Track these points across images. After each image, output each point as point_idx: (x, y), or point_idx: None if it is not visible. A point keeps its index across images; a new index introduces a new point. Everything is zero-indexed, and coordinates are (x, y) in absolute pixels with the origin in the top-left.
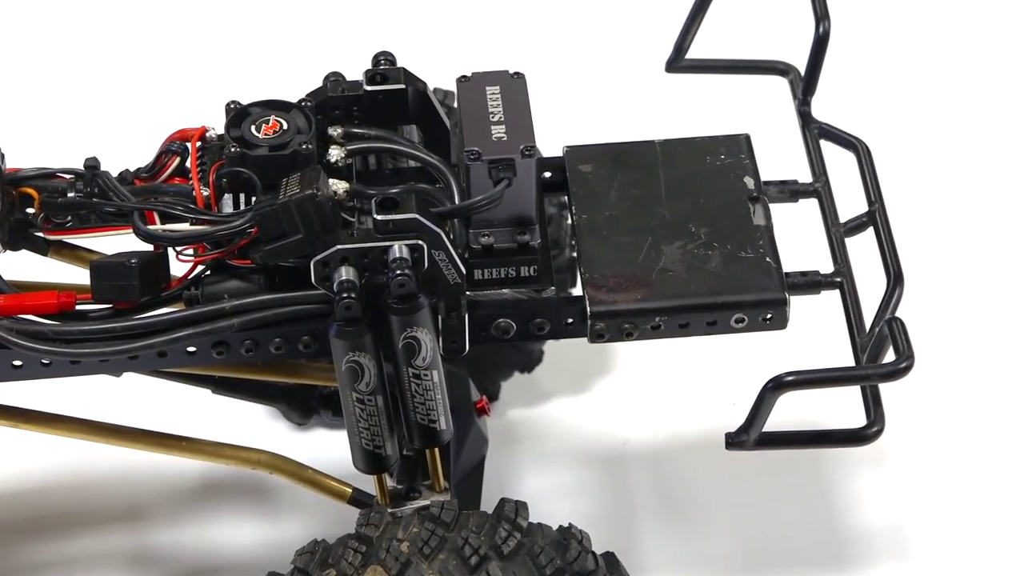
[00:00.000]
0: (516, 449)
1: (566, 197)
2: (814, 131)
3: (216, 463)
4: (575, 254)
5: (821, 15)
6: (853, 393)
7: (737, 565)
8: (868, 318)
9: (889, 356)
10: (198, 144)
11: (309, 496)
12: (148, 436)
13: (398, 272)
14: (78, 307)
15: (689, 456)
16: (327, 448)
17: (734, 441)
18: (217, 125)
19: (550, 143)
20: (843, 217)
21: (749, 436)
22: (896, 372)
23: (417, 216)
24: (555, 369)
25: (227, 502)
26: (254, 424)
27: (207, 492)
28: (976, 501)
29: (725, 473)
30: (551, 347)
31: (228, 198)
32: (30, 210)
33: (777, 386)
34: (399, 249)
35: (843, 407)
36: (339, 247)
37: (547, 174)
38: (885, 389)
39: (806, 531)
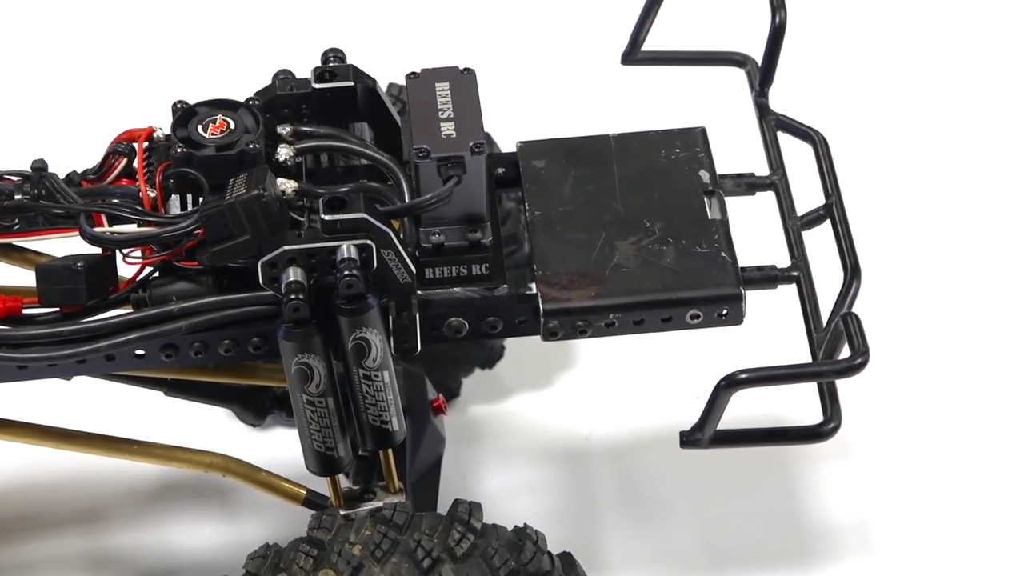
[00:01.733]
0: (478, 446)
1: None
2: (771, 123)
3: (168, 466)
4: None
5: (777, 5)
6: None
7: (700, 561)
8: (827, 311)
9: (846, 352)
10: (145, 145)
11: (267, 497)
12: (100, 440)
13: (346, 272)
14: (25, 311)
15: (652, 451)
16: (285, 448)
17: (688, 440)
18: (164, 125)
19: (504, 138)
20: (800, 210)
21: (703, 435)
22: (850, 369)
23: (365, 216)
24: (517, 365)
25: (185, 504)
26: (212, 425)
27: (165, 494)
28: (941, 494)
29: (688, 468)
30: (512, 343)
31: (175, 199)
32: None
33: (730, 384)
34: (347, 249)
35: (805, 399)
36: (286, 248)
37: (500, 170)
38: (849, 381)
39: (770, 526)
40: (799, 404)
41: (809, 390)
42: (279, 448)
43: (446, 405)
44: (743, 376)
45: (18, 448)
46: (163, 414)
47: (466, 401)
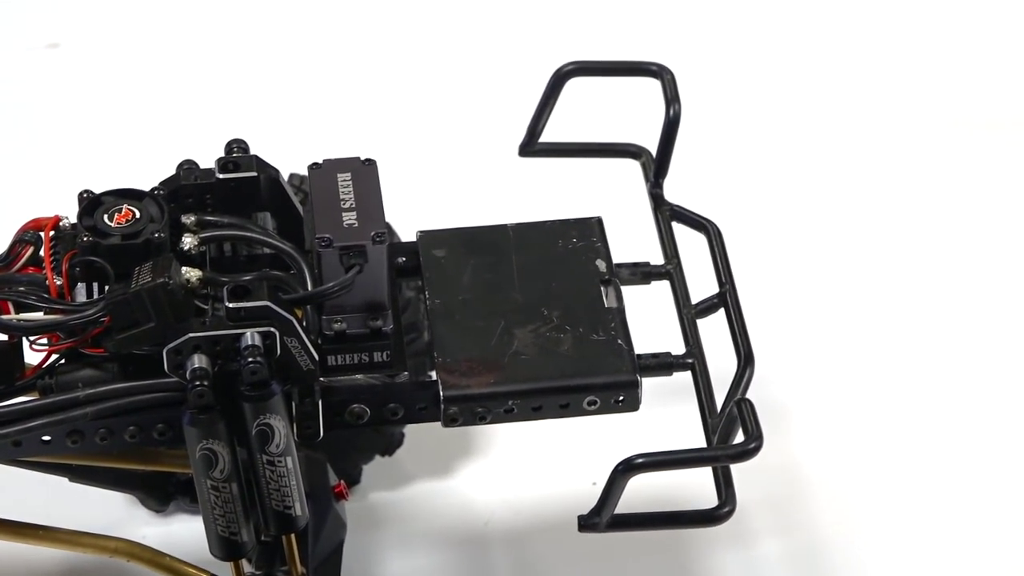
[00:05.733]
0: (378, 532)
1: (420, 281)
2: (666, 213)
3: (73, 551)
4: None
5: (671, 98)
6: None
7: None
8: (721, 397)
9: (740, 437)
10: (51, 233)
11: None
12: (3, 525)
13: (250, 360)
14: None
15: (550, 536)
16: (188, 534)
17: (586, 524)
18: (71, 214)
19: (404, 228)
20: (695, 298)
21: (601, 519)
22: (745, 453)
23: (268, 304)
24: (416, 452)
25: None
26: (115, 511)
27: None
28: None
29: (586, 554)
30: (412, 429)
31: (82, 287)
32: None
33: (627, 468)
34: (251, 336)
35: (703, 481)
36: (191, 335)
37: (401, 259)
38: (743, 464)
39: None
40: (697, 486)
41: (706, 474)
42: (180, 534)
43: (347, 491)
44: (640, 461)
45: None
46: (63, 501)
47: (366, 488)
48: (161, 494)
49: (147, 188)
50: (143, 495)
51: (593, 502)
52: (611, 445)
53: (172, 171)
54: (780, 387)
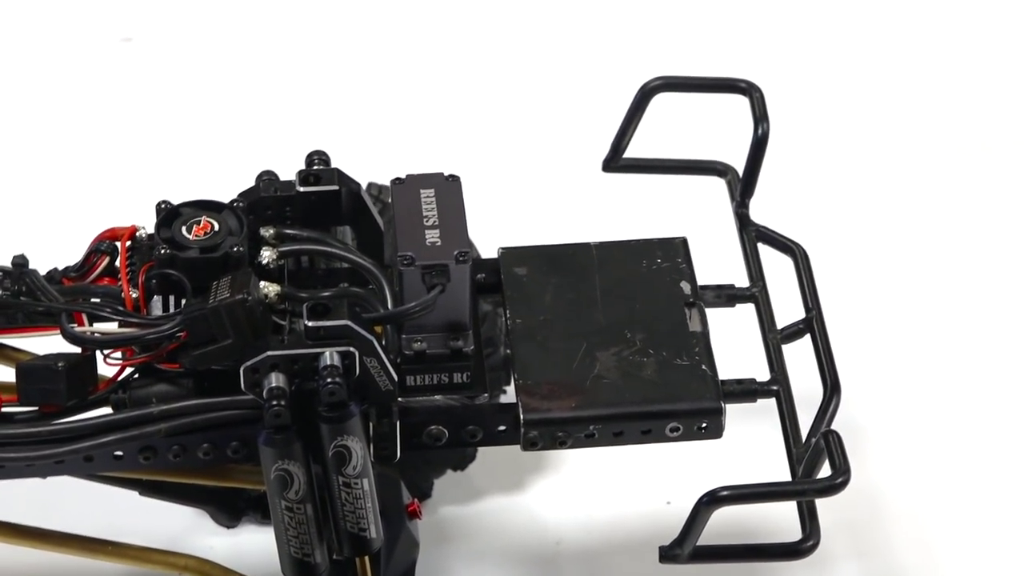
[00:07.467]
0: (448, 547)
1: (500, 299)
2: (751, 234)
3: (142, 568)
4: (508, 351)
5: (760, 116)
6: None
7: None
8: (805, 425)
9: (825, 469)
10: (128, 244)
11: None
12: (73, 540)
13: (329, 380)
14: (3, 409)
15: (622, 556)
16: (255, 546)
17: (668, 555)
18: (147, 225)
19: (485, 244)
20: (780, 323)
21: (683, 550)
22: (831, 488)
23: (349, 323)
24: (488, 467)
25: None
26: (179, 522)
27: None
28: None
29: (659, 574)
30: None
31: (158, 300)
32: None
33: (712, 500)
34: (330, 356)
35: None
36: (269, 353)
37: (481, 276)
38: None
39: None
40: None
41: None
42: (249, 551)
43: (420, 509)
44: (725, 493)
45: None
46: (131, 515)
47: (437, 502)
48: (232, 509)
49: (219, 189)
50: (213, 510)
51: (668, 522)
52: (686, 463)
53: (246, 172)
54: (859, 408)
